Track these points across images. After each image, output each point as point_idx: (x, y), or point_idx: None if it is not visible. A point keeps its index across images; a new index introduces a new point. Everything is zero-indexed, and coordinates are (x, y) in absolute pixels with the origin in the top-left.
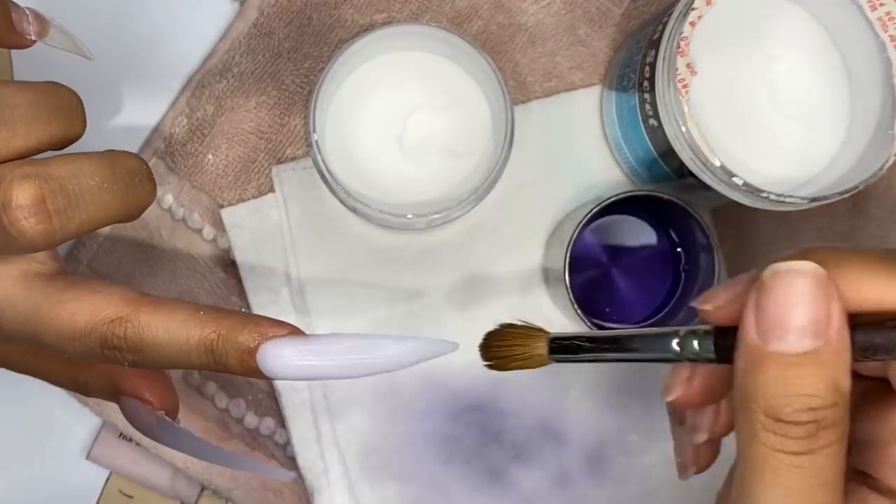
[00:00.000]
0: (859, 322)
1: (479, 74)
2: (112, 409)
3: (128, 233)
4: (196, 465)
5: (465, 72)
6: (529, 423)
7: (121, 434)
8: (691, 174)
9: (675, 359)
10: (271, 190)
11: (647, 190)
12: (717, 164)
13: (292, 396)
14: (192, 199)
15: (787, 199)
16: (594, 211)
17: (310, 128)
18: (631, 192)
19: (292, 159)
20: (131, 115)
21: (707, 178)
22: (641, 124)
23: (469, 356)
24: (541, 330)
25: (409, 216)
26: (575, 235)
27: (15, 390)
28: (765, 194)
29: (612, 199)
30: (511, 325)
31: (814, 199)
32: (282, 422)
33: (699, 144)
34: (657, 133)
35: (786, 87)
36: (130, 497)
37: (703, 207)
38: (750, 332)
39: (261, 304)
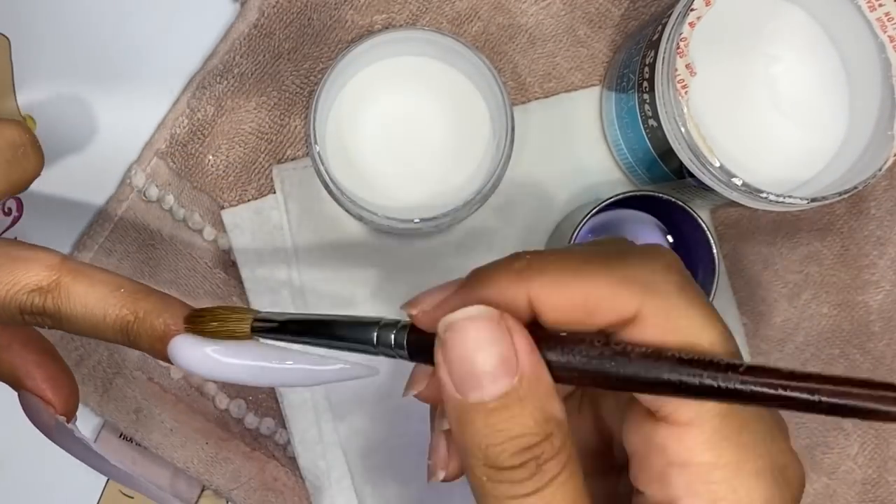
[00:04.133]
0: (559, 340)
1: (477, 77)
2: (112, 409)
3: (129, 233)
4: (196, 465)
5: (463, 75)
6: None
7: (121, 434)
8: (691, 174)
9: (374, 350)
10: (272, 191)
11: (646, 190)
12: (717, 164)
13: (293, 397)
14: (192, 200)
15: (787, 200)
16: (594, 211)
17: (310, 139)
18: (630, 192)
19: (292, 160)
20: (132, 115)
21: (706, 179)
22: (641, 125)
23: None
24: (250, 311)
25: (416, 221)
26: (575, 235)
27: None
28: (764, 195)
29: (612, 199)
30: (222, 307)
31: (813, 200)
32: (282, 422)
33: (698, 145)
34: (657, 133)
35: (785, 88)
36: (131, 497)
37: (703, 207)
38: (449, 387)
39: (261, 305)
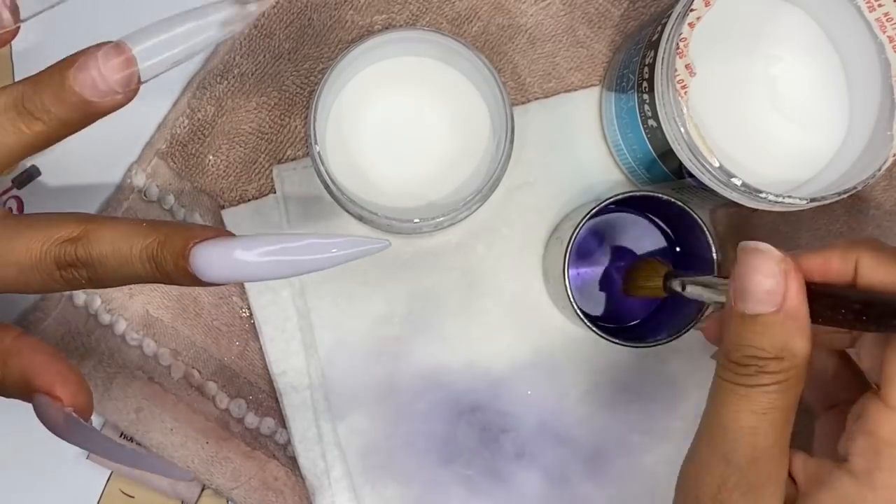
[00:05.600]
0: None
1: (476, 76)
2: (113, 409)
3: None
4: (196, 464)
5: (463, 75)
6: (530, 424)
7: (122, 434)
8: (690, 175)
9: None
10: (272, 191)
11: (646, 190)
12: (716, 164)
13: (293, 397)
14: (193, 200)
15: (786, 200)
16: (594, 211)
17: (311, 139)
18: (630, 192)
19: (293, 160)
20: (132, 116)
21: (706, 179)
22: (640, 125)
23: (469, 356)
24: (664, 264)
25: (416, 221)
26: (575, 235)
27: None
28: (763, 195)
29: (612, 199)
30: (645, 260)
31: (812, 200)
32: (282, 422)
33: (698, 145)
34: (656, 134)
35: (784, 88)
36: (131, 497)
37: (702, 207)
38: (730, 292)
39: (262, 305)
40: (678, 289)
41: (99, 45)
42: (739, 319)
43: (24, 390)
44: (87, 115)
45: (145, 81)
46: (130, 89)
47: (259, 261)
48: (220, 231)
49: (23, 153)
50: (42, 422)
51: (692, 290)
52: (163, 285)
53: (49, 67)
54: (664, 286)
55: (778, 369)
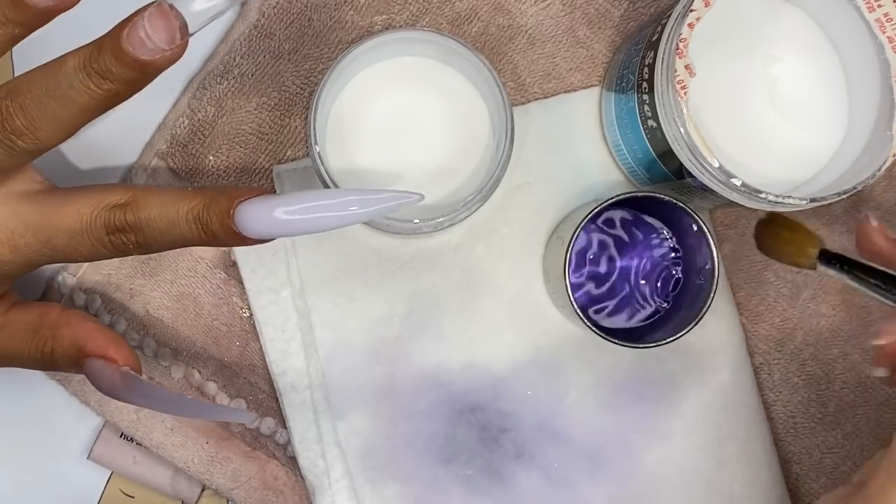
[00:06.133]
0: None
1: (477, 77)
2: (113, 409)
3: None
4: (196, 464)
5: (463, 75)
6: (530, 424)
7: (122, 434)
8: (690, 175)
9: None
10: (272, 191)
11: (646, 191)
12: (716, 165)
13: (293, 397)
14: None
15: (786, 200)
16: (594, 211)
17: (311, 139)
18: (630, 192)
19: (293, 160)
20: (132, 116)
21: (706, 179)
22: (640, 125)
23: (469, 356)
24: (812, 234)
25: (416, 221)
26: (575, 235)
27: (16, 390)
28: (763, 195)
29: (612, 199)
30: (786, 221)
31: (812, 200)
32: (282, 422)
33: (698, 145)
34: (656, 134)
35: (784, 89)
36: (132, 497)
37: (702, 208)
38: None
39: (262, 305)
40: (837, 273)
41: (146, 6)
42: None
43: (74, 358)
44: (146, 73)
45: (192, 34)
46: (178, 45)
47: (301, 218)
48: (261, 190)
49: (95, 112)
50: (97, 385)
51: (859, 285)
52: (163, 285)
53: (109, 31)
54: (818, 263)
55: None
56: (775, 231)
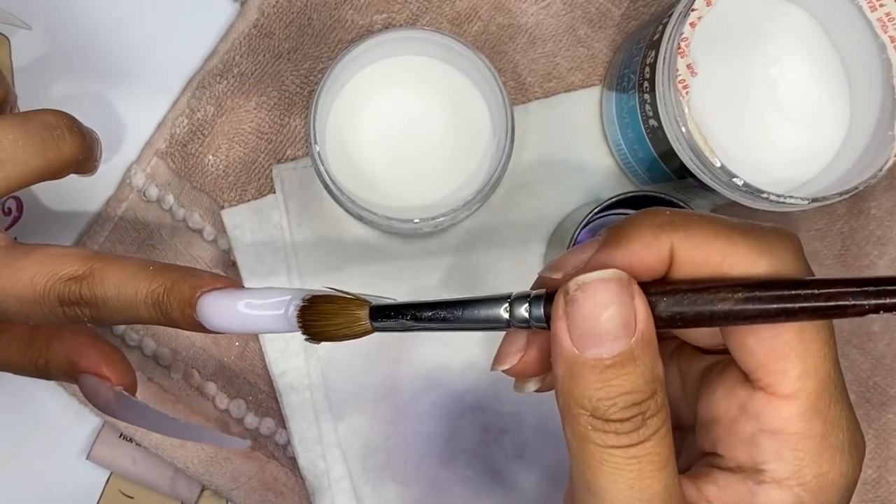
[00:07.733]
0: (665, 290)
1: (477, 77)
2: None
3: (128, 233)
4: (196, 465)
5: (463, 74)
6: (530, 424)
7: (121, 434)
8: (691, 175)
9: (503, 326)
10: (272, 191)
11: (647, 190)
12: (718, 164)
13: (293, 397)
14: (192, 200)
15: (787, 200)
16: (594, 211)
17: (311, 139)
18: (631, 192)
19: (293, 160)
20: (132, 115)
21: (707, 179)
22: (641, 125)
23: (470, 356)
24: (359, 298)
25: (416, 221)
26: (575, 235)
27: (16, 391)
28: (765, 195)
29: (612, 199)
30: (328, 297)
31: (814, 200)
32: (282, 422)
33: (699, 145)
34: (657, 134)
35: (786, 88)
36: (131, 497)
37: (704, 208)
38: (565, 340)
39: None
40: (394, 322)
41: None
42: (595, 368)
43: (68, 372)
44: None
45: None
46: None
47: (267, 314)
48: (225, 281)
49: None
50: (91, 401)
51: (421, 326)
52: None
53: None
54: (371, 323)
55: (658, 406)
56: (317, 311)
